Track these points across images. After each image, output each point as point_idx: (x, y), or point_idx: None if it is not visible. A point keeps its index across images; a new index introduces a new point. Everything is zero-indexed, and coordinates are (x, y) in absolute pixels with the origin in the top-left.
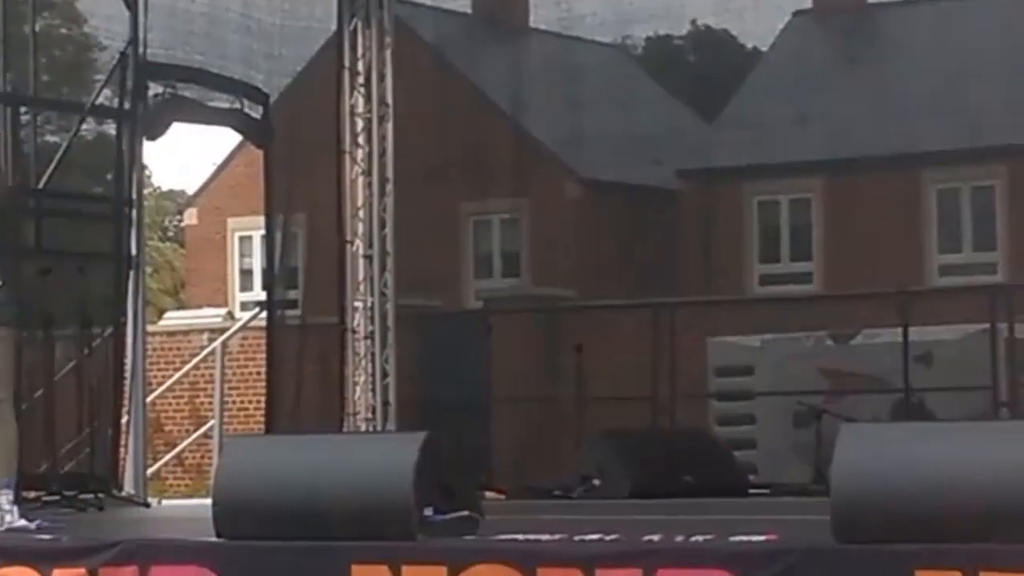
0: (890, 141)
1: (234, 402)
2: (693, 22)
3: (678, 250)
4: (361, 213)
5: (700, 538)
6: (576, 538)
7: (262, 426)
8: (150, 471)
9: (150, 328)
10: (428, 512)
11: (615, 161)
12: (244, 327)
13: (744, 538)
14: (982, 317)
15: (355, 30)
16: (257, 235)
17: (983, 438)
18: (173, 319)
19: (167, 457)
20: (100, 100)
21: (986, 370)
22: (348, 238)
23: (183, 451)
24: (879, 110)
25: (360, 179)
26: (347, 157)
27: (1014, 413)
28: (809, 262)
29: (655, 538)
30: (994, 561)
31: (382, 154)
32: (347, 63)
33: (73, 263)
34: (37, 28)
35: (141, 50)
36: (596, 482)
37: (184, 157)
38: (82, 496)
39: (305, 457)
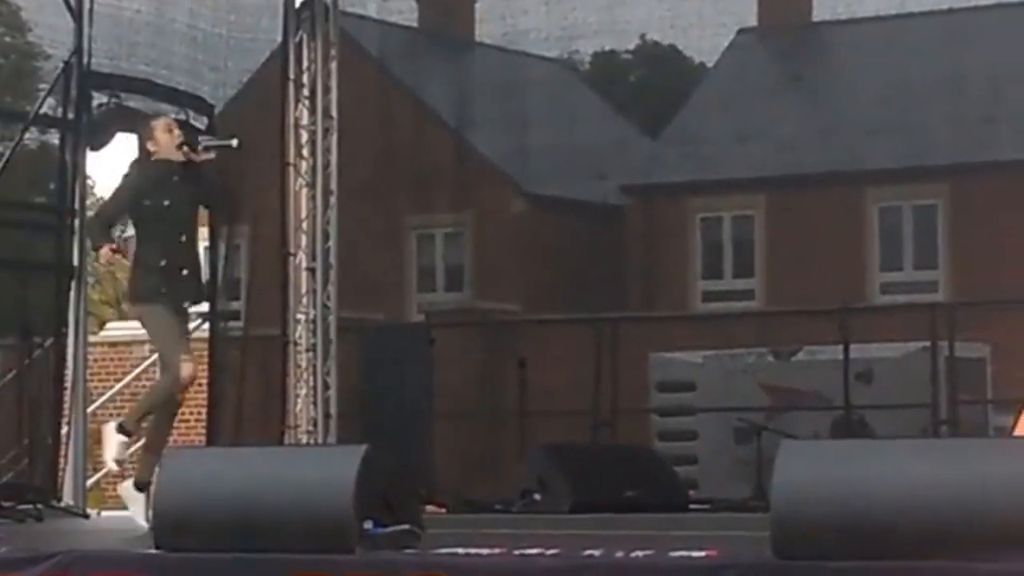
0: (833, 159)
1: None
2: (642, 36)
3: (621, 265)
4: (304, 225)
5: (640, 553)
6: (516, 552)
7: (203, 438)
8: (90, 482)
9: (92, 339)
10: (368, 525)
11: (559, 176)
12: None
13: (684, 554)
14: (923, 335)
15: (300, 42)
16: (200, 246)
17: (922, 456)
18: (115, 330)
19: (107, 468)
20: (44, 109)
21: (926, 388)
22: (291, 250)
23: (123, 462)
24: (822, 127)
25: (304, 191)
26: (291, 169)
27: (954, 431)
28: (751, 279)
29: (595, 553)
30: None
31: (326, 167)
32: (292, 75)
33: (14, 273)
34: None
35: (85, 60)
36: (537, 496)
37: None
38: (20, 507)
39: (245, 469)
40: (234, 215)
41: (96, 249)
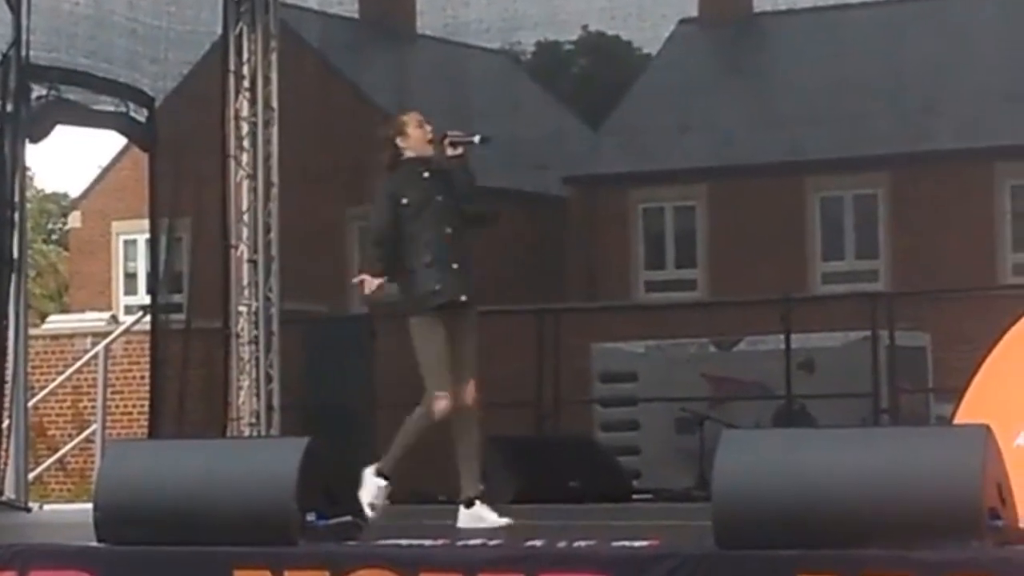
0: (774, 149)
1: (117, 406)
2: (584, 27)
3: (563, 256)
4: (246, 217)
5: (582, 543)
6: (459, 543)
7: (145, 430)
8: (32, 475)
9: (33, 332)
10: (311, 517)
11: (501, 167)
12: (128, 331)
13: (627, 543)
14: (864, 324)
15: (240, 34)
16: (142, 239)
17: (863, 445)
18: (56, 323)
19: (49, 461)
20: None
21: (867, 377)
22: (233, 242)
23: (65, 455)
24: (763, 118)
25: (245, 183)
26: (232, 161)
27: (894, 419)
28: (693, 269)
29: (537, 543)
30: (873, 566)
31: (267, 158)
32: (232, 67)
33: None
34: None
35: (24, 52)
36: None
37: (68, 160)
38: None
39: (188, 462)
40: (491, 218)
41: (362, 278)
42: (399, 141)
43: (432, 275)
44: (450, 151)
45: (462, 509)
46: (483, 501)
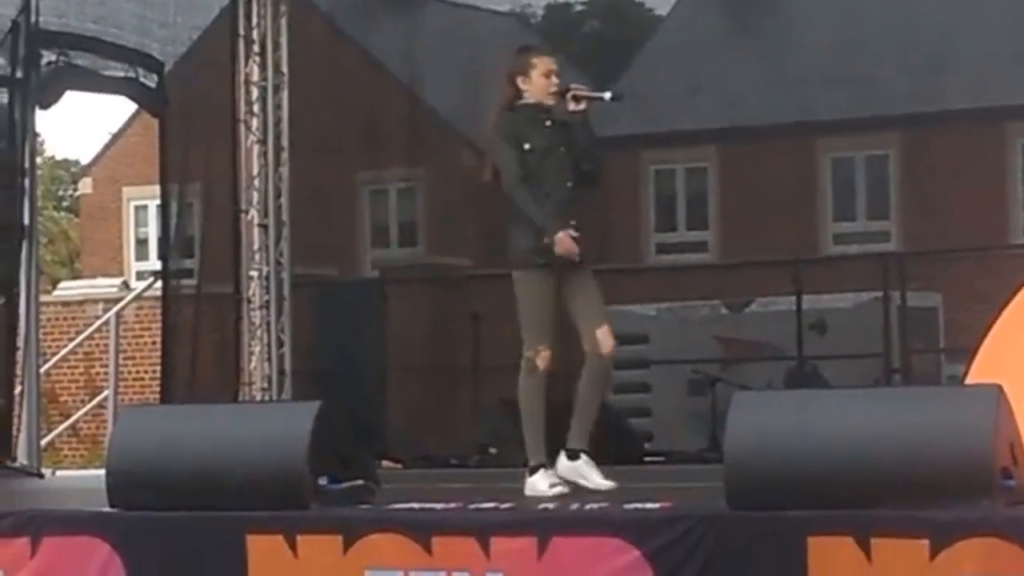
0: (784, 110)
1: (129, 372)
2: None
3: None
4: (256, 182)
5: (594, 506)
6: (471, 506)
7: (157, 396)
8: (44, 441)
9: (44, 298)
10: (323, 481)
11: None
12: (139, 297)
13: (639, 505)
14: (875, 285)
15: None
16: (152, 204)
17: (875, 405)
18: (68, 289)
19: (61, 427)
20: None
21: (879, 338)
22: (243, 207)
23: (78, 421)
24: (773, 79)
25: (255, 148)
26: (242, 126)
27: (906, 380)
28: (705, 231)
29: (550, 506)
30: (886, 527)
31: (277, 123)
32: (242, 31)
33: None
34: None
35: (33, 18)
36: (492, 451)
37: (78, 126)
38: None
39: (200, 427)
40: (597, 175)
41: (553, 238)
42: (520, 82)
43: (544, 232)
44: (572, 105)
45: (563, 459)
46: (589, 456)
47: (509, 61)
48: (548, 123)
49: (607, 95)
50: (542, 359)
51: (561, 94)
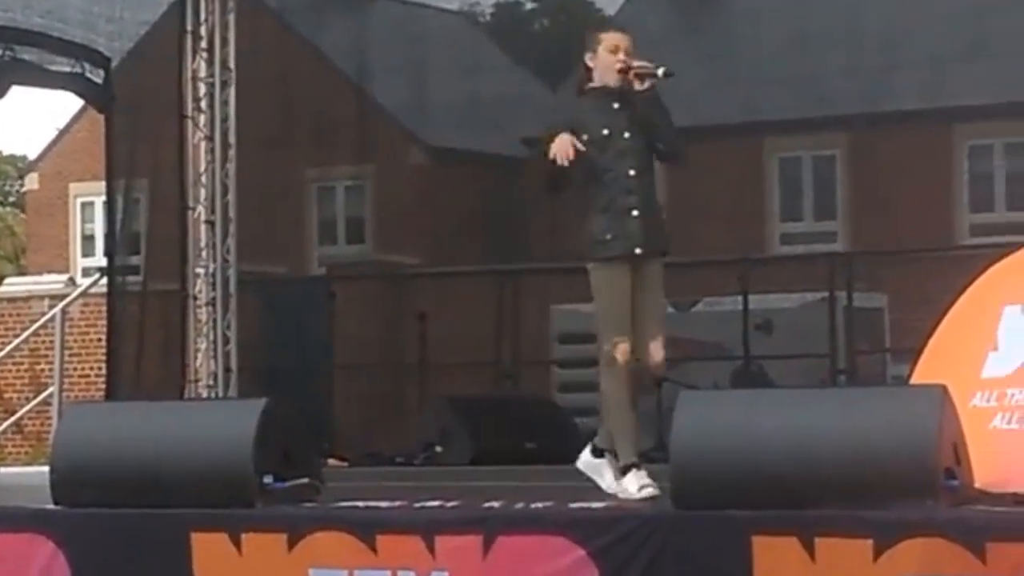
0: (732, 109)
1: (75, 369)
2: None
3: (522, 217)
4: (203, 178)
5: (540, 505)
6: (416, 505)
7: (103, 393)
8: None
9: None
10: (268, 479)
11: (460, 128)
12: (85, 293)
13: (584, 505)
14: (822, 285)
15: None
16: (99, 201)
17: (820, 405)
18: (13, 285)
19: (6, 424)
20: None
21: (825, 338)
22: (190, 204)
23: (22, 418)
24: (721, 79)
25: (203, 144)
26: (189, 122)
27: (852, 380)
28: None
29: (495, 505)
30: (830, 527)
31: (224, 119)
32: (189, 27)
33: None
34: None
35: None
36: (438, 449)
37: (25, 122)
38: None
39: (145, 424)
40: (679, 154)
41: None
42: (588, 59)
43: (604, 222)
44: (638, 84)
45: (586, 453)
46: (638, 468)
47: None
48: (616, 105)
49: (660, 71)
50: (620, 352)
51: (624, 72)
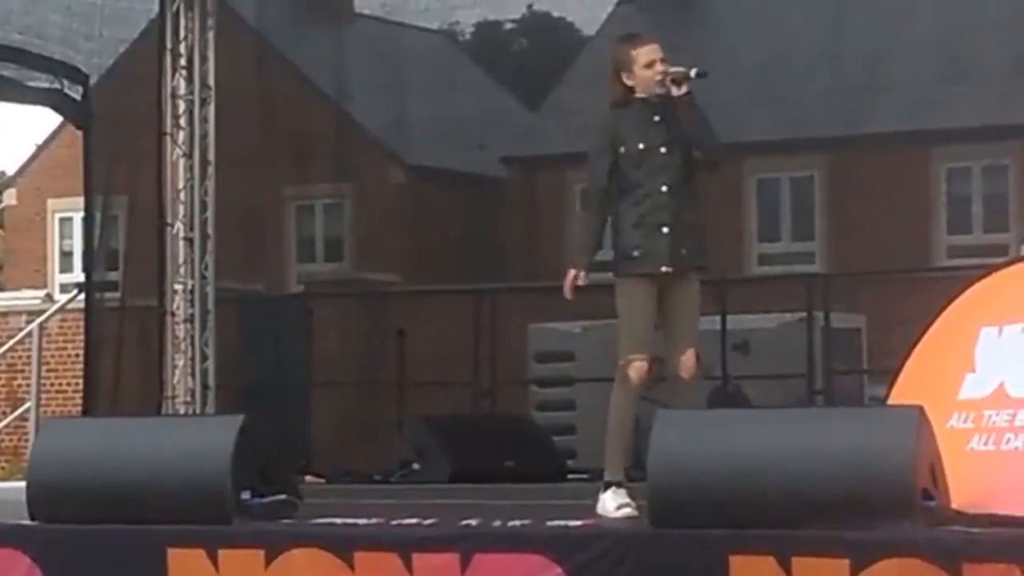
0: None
1: (52, 384)
2: (528, 7)
3: (501, 236)
4: (182, 195)
5: (518, 523)
6: (394, 522)
7: (80, 409)
8: None
9: None
10: (246, 496)
11: (439, 147)
12: (63, 309)
13: (562, 523)
14: (799, 306)
15: (177, 12)
16: (77, 217)
17: (798, 426)
18: None
19: None
20: None
21: (802, 358)
22: (168, 220)
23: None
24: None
25: (181, 161)
26: (168, 139)
27: (829, 401)
28: None
29: (473, 522)
30: (806, 546)
31: (204, 136)
32: (169, 45)
33: None
34: None
35: None
36: (416, 466)
37: (4, 137)
38: None
39: (122, 440)
40: (716, 158)
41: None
42: (625, 78)
43: (635, 238)
44: (675, 91)
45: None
46: (619, 487)
47: (613, 53)
48: (656, 118)
49: (693, 72)
50: (635, 370)
51: (662, 82)
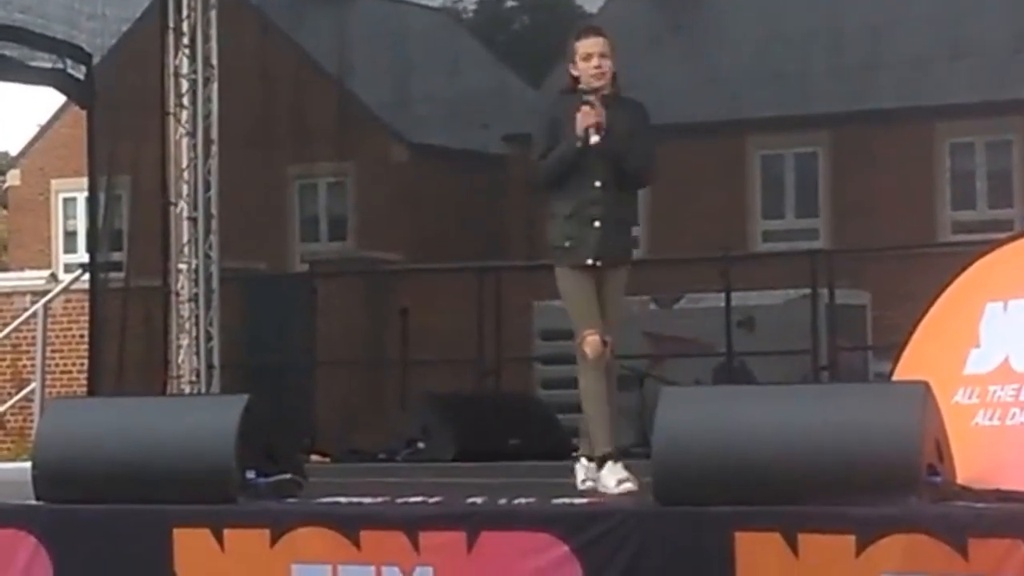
0: (714, 108)
1: (57, 364)
2: None
3: (505, 214)
4: (186, 175)
5: (523, 501)
6: (399, 501)
7: (85, 389)
8: None
9: None
10: (251, 475)
11: (442, 125)
12: (67, 289)
13: (567, 501)
14: (803, 282)
15: None
16: (81, 197)
17: (802, 401)
18: None
19: None
20: None
21: (807, 334)
22: (172, 200)
23: (4, 414)
24: (704, 77)
25: (184, 141)
26: (171, 119)
27: (834, 377)
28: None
29: (478, 501)
30: (812, 522)
31: (207, 116)
32: (171, 24)
33: None
34: None
35: None
36: (421, 445)
37: (7, 118)
38: None
39: (127, 420)
40: (636, 182)
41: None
42: (571, 68)
43: (567, 229)
44: (592, 137)
45: (588, 464)
46: (615, 460)
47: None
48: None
49: (593, 139)
50: (588, 344)
51: (597, 77)
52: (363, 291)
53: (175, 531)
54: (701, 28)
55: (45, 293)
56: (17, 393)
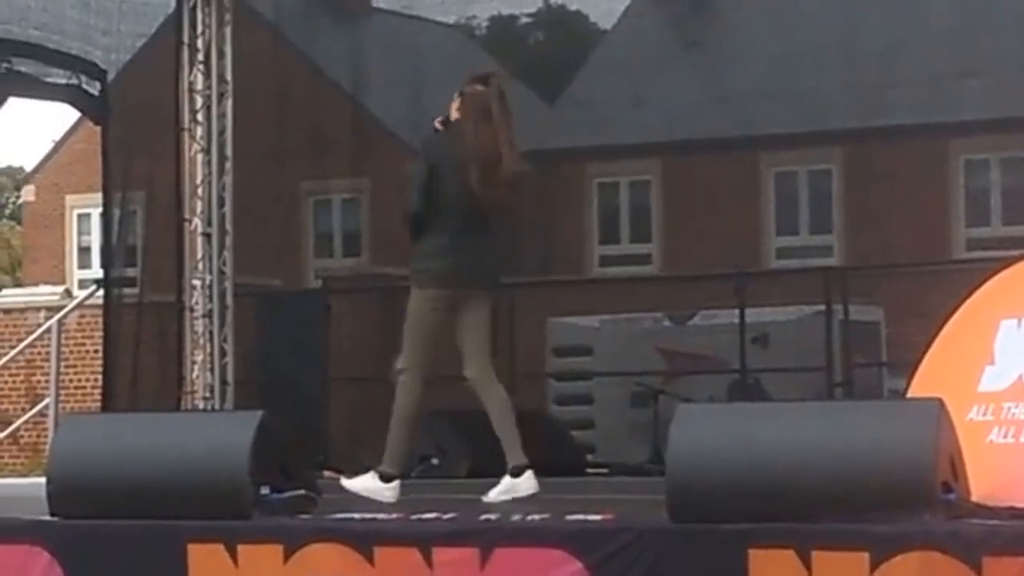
0: (728, 124)
1: (71, 380)
2: (545, 0)
3: (518, 231)
4: (200, 191)
5: (537, 517)
6: (413, 517)
7: (99, 404)
8: None
9: None
10: (264, 491)
11: None
12: (81, 305)
13: (581, 517)
14: (817, 299)
15: (195, 7)
16: (96, 212)
17: (817, 419)
18: (10, 296)
19: (2, 435)
20: None
21: (821, 351)
22: (187, 216)
23: (18, 429)
24: (718, 93)
25: (199, 157)
26: (186, 134)
27: (848, 394)
28: (648, 243)
29: (492, 517)
30: (826, 540)
31: (221, 132)
32: (186, 40)
33: None
34: None
35: None
36: (434, 461)
37: (22, 133)
38: None
39: (141, 435)
40: (503, 207)
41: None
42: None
43: (426, 250)
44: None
45: (507, 477)
46: (387, 480)
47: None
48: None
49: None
50: (399, 380)
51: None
52: (377, 307)
53: (189, 547)
54: (715, 45)
55: (59, 309)
56: (31, 408)
